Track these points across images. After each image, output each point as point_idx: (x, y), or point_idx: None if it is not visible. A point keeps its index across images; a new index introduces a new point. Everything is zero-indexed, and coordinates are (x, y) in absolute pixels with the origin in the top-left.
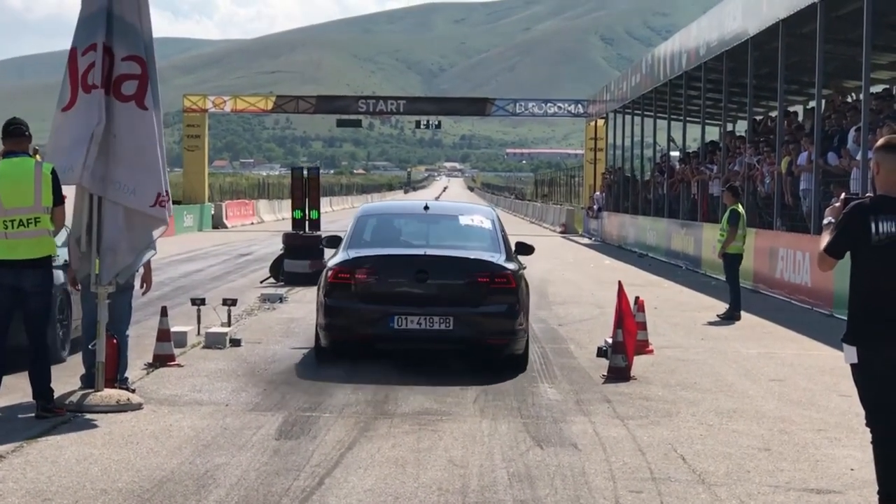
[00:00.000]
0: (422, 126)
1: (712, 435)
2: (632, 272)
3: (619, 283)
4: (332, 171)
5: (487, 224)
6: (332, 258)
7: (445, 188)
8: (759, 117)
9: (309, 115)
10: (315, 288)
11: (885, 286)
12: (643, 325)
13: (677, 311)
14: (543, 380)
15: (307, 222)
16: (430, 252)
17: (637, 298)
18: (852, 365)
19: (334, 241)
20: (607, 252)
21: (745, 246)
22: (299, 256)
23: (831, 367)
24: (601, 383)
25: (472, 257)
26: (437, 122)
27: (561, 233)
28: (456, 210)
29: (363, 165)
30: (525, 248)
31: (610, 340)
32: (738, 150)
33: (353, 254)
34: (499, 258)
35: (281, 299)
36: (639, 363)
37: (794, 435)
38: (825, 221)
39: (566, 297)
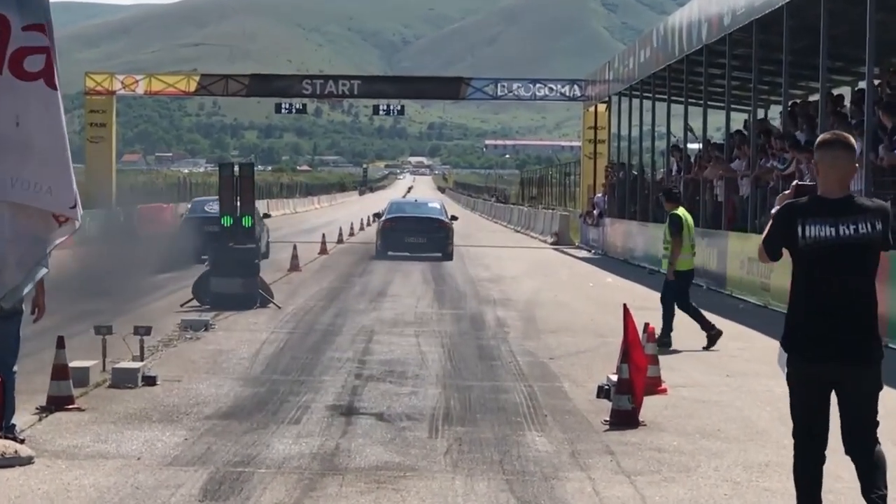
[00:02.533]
0: (381, 112)
1: (739, 495)
2: (640, 293)
3: (625, 306)
4: (269, 168)
5: (439, 205)
6: (383, 217)
7: (410, 188)
8: (797, 101)
9: (241, 98)
10: (246, 312)
11: (811, 294)
12: (654, 359)
13: (697, 342)
14: (531, 426)
15: (239, 231)
16: (418, 214)
17: (647, 325)
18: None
19: (379, 215)
20: (610, 268)
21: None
22: (229, 274)
23: (891, 410)
24: (602, 431)
25: (434, 216)
26: (399, 108)
27: (553, 244)
28: (427, 200)
29: (308, 161)
30: (453, 218)
31: (613, 378)
32: (771, 146)
33: (391, 215)
34: (443, 217)
35: (206, 327)
36: (649, 406)
37: (840, 495)
38: (773, 210)
39: (559, 323)
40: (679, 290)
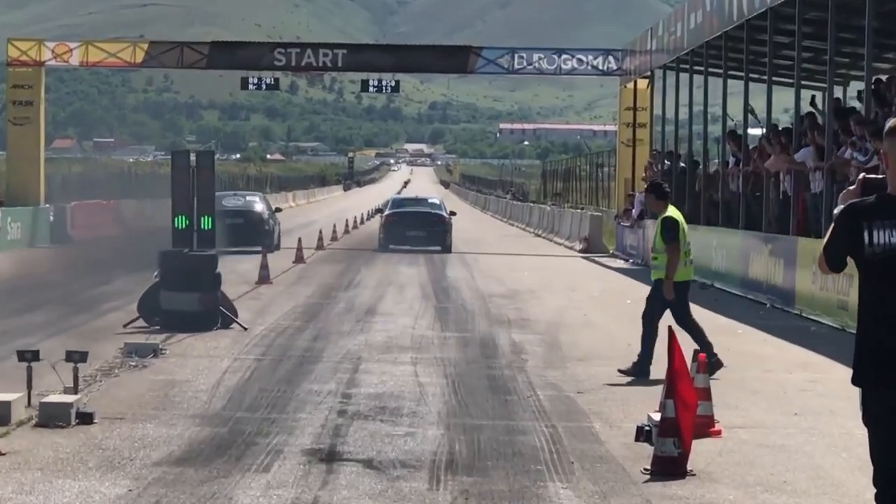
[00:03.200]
0: (371, 89)
1: None
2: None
3: (670, 329)
4: (235, 157)
5: (438, 201)
6: (385, 212)
7: (406, 183)
8: (882, 77)
9: (199, 71)
10: (204, 334)
11: (882, 312)
12: (706, 394)
13: (759, 372)
14: (554, 476)
15: (196, 234)
16: (419, 210)
17: (697, 353)
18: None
19: (381, 210)
20: (650, 280)
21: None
22: (184, 287)
23: None
24: (642, 482)
25: (433, 211)
26: (393, 83)
27: (582, 251)
28: (427, 196)
29: (281, 148)
30: (452, 213)
31: (656, 417)
32: (849, 132)
33: (392, 210)
34: (442, 212)
35: (155, 352)
36: (699, 451)
37: None
38: (835, 210)
39: (589, 349)
40: (679, 303)
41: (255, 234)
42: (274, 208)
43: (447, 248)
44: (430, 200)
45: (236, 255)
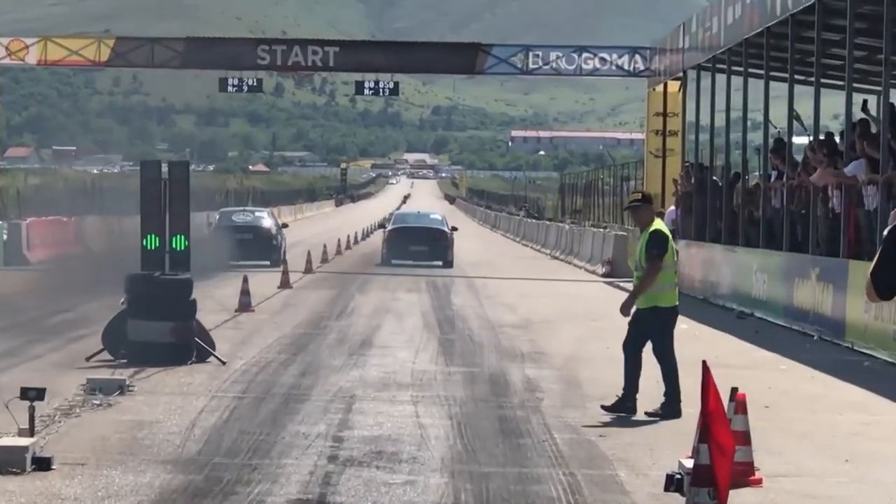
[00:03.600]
0: (366, 91)
1: None
2: (727, 344)
3: (704, 364)
4: (211, 168)
5: (440, 216)
6: (388, 227)
7: (406, 198)
8: None
9: (172, 70)
10: (177, 369)
11: None
12: (745, 437)
13: (805, 413)
14: None
15: (168, 255)
16: (421, 225)
17: (735, 391)
18: None
19: (384, 224)
20: (685, 309)
21: None
22: (154, 315)
23: None
24: None
25: (435, 227)
26: (391, 85)
27: (605, 276)
28: (430, 212)
29: (265, 158)
30: (453, 228)
31: (688, 463)
32: None
33: (396, 225)
34: (444, 228)
35: (121, 389)
36: (737, 502)
37: None
38: (885, 231)
39: (612, 387)
40: (663, 332)
41: (264, 248)
42: (281, 223)
43: (448, 263)
44: (432, 216)
45: (238, 271)
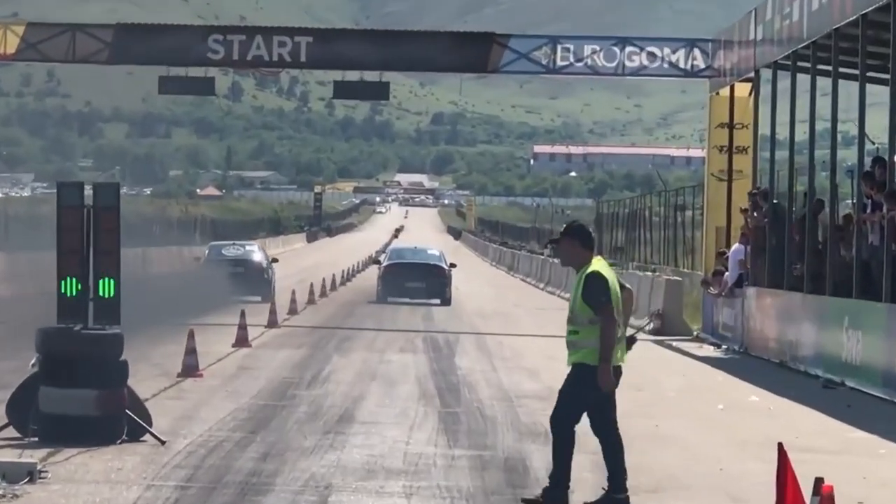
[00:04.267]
0: (348, 94)
1: None
2: (810, 422)
3: (780, 447)
4: (148, 192)
5: (438, 252)
6: (383, 263)
7: (399, 231)
8: None
9: (98, 66)
10: (104, 449)
11: None
12: None
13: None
14: None
15: (92, 304)
16: (418, 261)
17: (820, 483)
18: None
19: (378, 260)
20: (755, 376)
21: None
22: (74, 381)
23: None
24: None
25: (432, 263)
26: (380, 87)
27: (653, 332)
28: (427, 246)
29: (218, 179)
30: (452, 265)
31: None
32: None
33: (392, 261)
34: (442, 264)
35: (31, 475)
36: None
37: None
38: None
39: (662, 474)
40: (604, 402)
41: (254, 282)
42: (271, 259)
43: (446, 301)
44: (429, 251)
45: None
